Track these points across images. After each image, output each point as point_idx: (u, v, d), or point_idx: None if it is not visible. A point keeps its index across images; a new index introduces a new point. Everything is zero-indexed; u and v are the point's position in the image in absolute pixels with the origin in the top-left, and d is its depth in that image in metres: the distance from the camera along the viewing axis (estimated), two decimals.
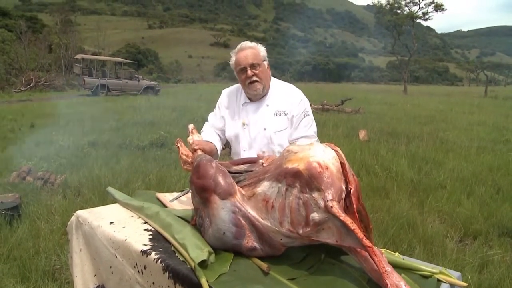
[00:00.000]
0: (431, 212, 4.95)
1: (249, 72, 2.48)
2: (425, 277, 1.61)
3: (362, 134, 10.46)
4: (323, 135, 9.85)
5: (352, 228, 1.43)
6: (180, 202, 2.43)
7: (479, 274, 3.49)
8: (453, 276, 1.63)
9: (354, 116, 15.62)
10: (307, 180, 1.49)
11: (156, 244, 1.88)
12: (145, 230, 2.05)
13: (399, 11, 50.87)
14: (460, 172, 6.78)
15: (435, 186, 5.98)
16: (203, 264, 1.62)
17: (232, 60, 2.56)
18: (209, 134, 2.64)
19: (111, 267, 2.00)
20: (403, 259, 1.73)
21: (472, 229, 4.50)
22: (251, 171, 1.84)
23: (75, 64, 30.91)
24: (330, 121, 13.13)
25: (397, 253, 1.79)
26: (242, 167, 1.92)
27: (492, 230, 4.46)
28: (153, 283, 1.77)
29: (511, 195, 5.68)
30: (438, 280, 1.60)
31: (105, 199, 4.53)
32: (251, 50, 2.50)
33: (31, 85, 29.51)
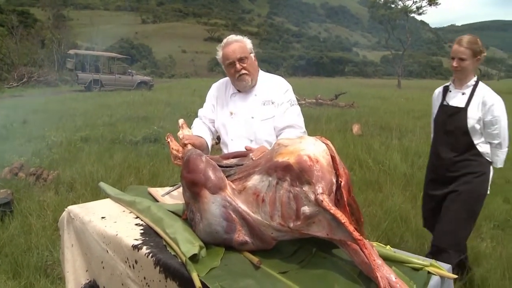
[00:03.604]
0: None
1: (238, 66, 2.51)
2: (416, 269, 1.63)
3: (355, 128, 10.47)
4: (317, 130, 9.86)
5: (343, 221, 1.43)
6: (172, 196, 2.42)
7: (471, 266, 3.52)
8: (444, 268, 1.65)
9: (348, 110, 15.62)
10: (297, 173, 1.49)
11: (147, 238, 1.88)
12: (136, 224, 2.05)
13: (393, 6, 50.88)
14: None
15: None
16: (194, 258, 1.62)
17: (219, 54, 2.59)
18: (199, 129, 2.66)
19: (102, 262, 2.00)
20: (394, 252, 1.74)
21: None
22: (242, 165, 1.83)
23: (68, 59, 30.76)
24: (324, 115, 13.13)
25: (388, 246, 1.80)
26: (233, 161, 1.92)
27: (484, 223, 4.49)
28: (144, 278, 1.77)
29: (502, 188, 5.72)
30: (429, 272, 1.61)
31: (98, 195, 4.51)
32: (238, 44, 2.54)
33: (24, 80, 29.33)
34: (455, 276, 1.67)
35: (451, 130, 2.98)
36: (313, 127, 10.27)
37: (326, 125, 11.19)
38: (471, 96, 2.92)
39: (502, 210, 4.84)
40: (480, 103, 2.88)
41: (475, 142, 2.91)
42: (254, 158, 1.85)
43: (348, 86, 32.41)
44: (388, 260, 1.62)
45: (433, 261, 1.67)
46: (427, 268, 1.62)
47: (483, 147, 2.93)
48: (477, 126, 2.88)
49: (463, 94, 2.96)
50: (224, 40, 2.60)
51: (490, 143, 2.94)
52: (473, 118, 2.87)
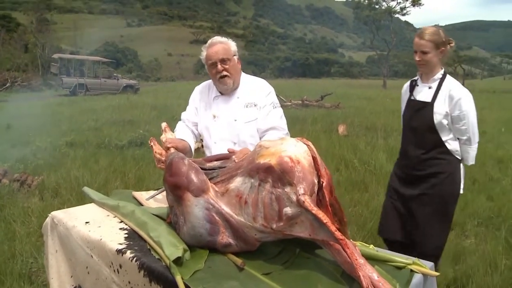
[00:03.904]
0: None
1: (219, 67, 2.52)
2: (399, 268, 1.64)
3: (341, 129, 10.54)
4: (303, 131, 9.90)
5: (324, 221, 1.44)
6: (156, 200, 2.42)
7: (455, 264, 3.57)
8: (426, 266, 1.66)
9: (334, 111, 15.70)
10: (279, 174, 1.49)
11: (131, 242, 1.87)
12: (120, 229, 2.04)
13: (377, 6, 51.40)
14: None
15: None
16: (178, 261, 1.62)
17: (203, 54, 2.60)
18: (182, 132, 2.66)
19: (87, 267, 1.99)
20: (377, 251, 1.75)
21: None
22: (225, 167, 1.84)
23: (53, 63, 30.55)
24: (310, 116, 13.17)
25: (372, 245, 1.81)
26: (216, 163, 1.92)
27: (468, 220, 4.55)
28: (129, 282, 1.76)
29: (485, 186, 5.81)
30: (411, 270, 1.62)
31: (83, 200, 4.47)
32: (221, 45, 2.55)
33: (7, 85, 28.91)
34: (437, 274, 1.69)
35: (417, 126, 2.85)
36: (299, 128, 10.30)
37: (312, 126, 11.24)
38: (438, 90, 2.78)
39: (486, 207, 4.91)
40: (447, 97, 2.74)
41: (443, 139, 2.78)
42: (236, 160, 1.86)
43: (334, 87, 32.60)
44: (371, 259, 1.63)
45: (415, 259, 1.68)
46: (409, 267, 1.63)
47: (452, 145, 2.79)
48: (445, 122, 2.74)
49: (429, 88, 2.83)
50: (209, 41, 2.61)
51: (459, 140, 2.81)
52: (439, 113, 2.73)
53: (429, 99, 2.79)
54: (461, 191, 2.87)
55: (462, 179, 2.87)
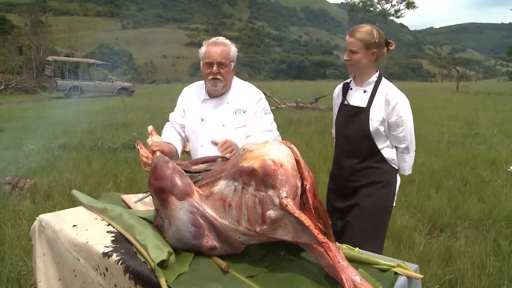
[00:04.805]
0: (401, 207, 5.02)
1: (215, 69, 2.51)
2: (383, 270, 1.65)
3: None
4: (296, 133, 9.91)
5: (307, 224, 1.45)
6: (144, 203, 2.42)
7: (445, 266, 3.58)
8: (410, 268, 1.67)
9: (328, 113, 15.67)
10: (262, 178, 1.50)
11: (118, 245, 1.88)
12: (108, 232, 2.04)
13: (371, 9, 51.72)
14: (430, 166, 6.90)
15: (405, 181, 6.07)
16: (162, 264, 1.62)
17: (203, 50, 2.58)
18: (169, 135, 2.66)
19: (74, 270, 1.99)
20: (362, 253, 1.76)
21: (440, 222, 4.60)
22: (210, 170, 1.84)
23: (47, 66, 30.55)
24: (304, 118, 13.20)
25: (357, 248, 1.82)
26: (202, 166, 1.93)
27: (459, 222, 4.57)
28: (115, 285, 1.76)
29: (477, 187, 5.83)
30: (396, 273, 1.63)
31: (75, 203, 4.44)
32: (223, 48, 2.54)
33: (1, 88, 28.93)
34: (421, 276, 1.69)
35: (352, 133, 2.60)
36: (292, 131, 10.32)
37: (306, 128, 11.25)
38: (374, 95, 2.54)
39: (477, 209, 4.93)
40: (383, 102, 2.51)
41: (379, 147, 2.55)
42: (220, 150, 1.84)
43: (329, 89, 32.46)
44: (355, 261, 1.64)
45: (400, 262, 1.69)
46: (394, 269, 1.64)
47: (388, 153, 2.57)
48: (381, 128, 2.52)
49: (364, 92, 2.59)
50: (213, 39, 2.60)
51: (397, 148, 2.60)
52: (376, 119, 2.51)
53: (364, 104, 2.56)
54: (394, 204, 2.67)
55: (397, 190, 2.67)
